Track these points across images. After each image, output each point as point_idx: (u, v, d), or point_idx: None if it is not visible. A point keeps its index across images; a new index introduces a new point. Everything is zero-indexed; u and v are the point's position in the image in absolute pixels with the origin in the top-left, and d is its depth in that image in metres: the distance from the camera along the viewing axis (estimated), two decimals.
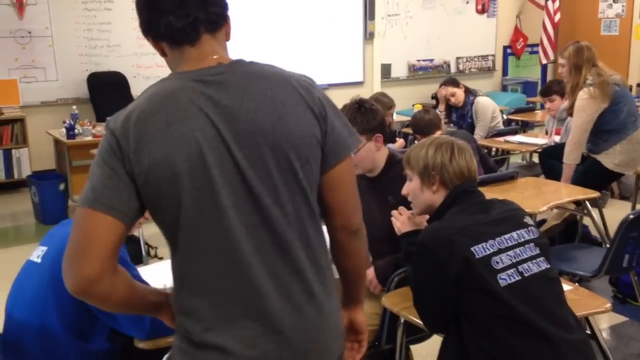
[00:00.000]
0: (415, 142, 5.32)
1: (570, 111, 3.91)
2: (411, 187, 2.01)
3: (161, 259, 4.48)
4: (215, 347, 1.25)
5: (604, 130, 3.82)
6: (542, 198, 3.35)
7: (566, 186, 3.72)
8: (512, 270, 1.69)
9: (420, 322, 1.88)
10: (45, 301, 1.84)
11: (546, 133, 4.97)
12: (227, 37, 1.36)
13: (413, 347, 2.58)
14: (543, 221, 3.92)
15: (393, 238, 2.18)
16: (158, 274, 2.28)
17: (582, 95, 3.77)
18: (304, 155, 1.30)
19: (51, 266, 1.86)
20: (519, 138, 4.95)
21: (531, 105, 7.15)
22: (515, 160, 5.70)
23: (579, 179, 3.80)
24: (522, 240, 1.77)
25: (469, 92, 5.24)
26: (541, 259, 1.75)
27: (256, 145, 1.25)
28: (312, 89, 1.37)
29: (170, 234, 1.29)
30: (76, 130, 5.25)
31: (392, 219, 2.13)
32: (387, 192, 2.37)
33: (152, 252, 4.50)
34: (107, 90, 6.58)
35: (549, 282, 1.74)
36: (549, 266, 1.75)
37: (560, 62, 3.95)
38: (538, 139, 4.87)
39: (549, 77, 10.01)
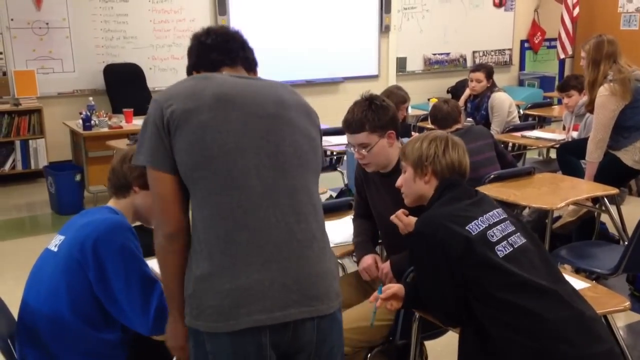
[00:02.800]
0: None
1: (590, 108, 3.86)
2: (405, 177, 2.08)
3: None
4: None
5: (625, 127, 3.76)
6: (560, 194, 3.31)
7: (584, 182, 3.67)
8: (504, 242, 1.80)
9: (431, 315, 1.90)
10: (58, 289, 1.86)
11: (564, 129, 4.92)
12: None
13: (427, 343, 2.57)
14: (558, 218, 3.88)
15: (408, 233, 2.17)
16: None
17: (603, 91, 3.71)
18: None
19: (66, 255, 1.87)
20: (536, 133, 4.89)
21: (548, 100, 7.06)
22: (531, 155, 5.64)
23: (597, 176, 3.75)
24: (502, 217, 1.89)
25: (491, 86, 5.20)
26: (518, 234, 1.86)
27: None
28: None
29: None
30: (92, 122, 5.28)
31: (395, 220, 2.13)
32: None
33: None
34: (123, 81, 6.61)
35: (531, 252, 1.84)
36: (525, 240, 1.86)
37: (582, 55, 3.90)
38: (555, 135, 4.82)
39: (567, 72, 9.90)
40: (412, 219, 2.09)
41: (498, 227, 1.83)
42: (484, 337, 1.74)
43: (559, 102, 5.80)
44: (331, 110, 7.84)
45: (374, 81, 8.53)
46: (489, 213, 1.86)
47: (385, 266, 2.33)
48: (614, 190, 3.42)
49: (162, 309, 1.80)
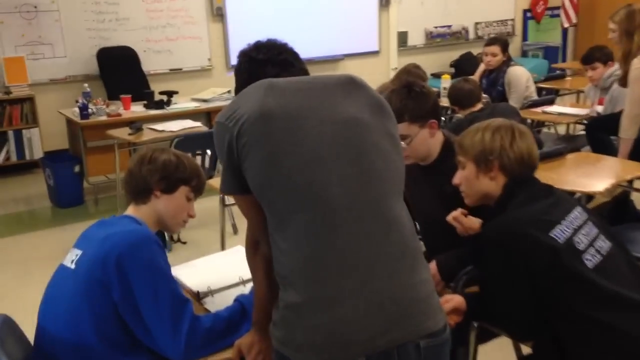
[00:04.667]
0: (454, 115, 5.10)
1: (623, 82, 3.64)
2: (465, 174, 1.84)
3: (184, 243, 4.30)
4: None
5: None
6: (599, 176, 3.11)
7: (621, 162, 3.46)
8: (592, 250, 1.60)
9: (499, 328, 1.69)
10: (79, 312, 1.65)
11: (588, 103, 4.70)
12: None
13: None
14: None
15: (452, 231, 1.97)
16: (192, 278, 2.07)
17: (637, 64, 3.49)
18: None
19: (86, 274, 1.66)
20: (557, 108, 4.67)
21: (559, 71, 6.83)
22: (547, 132, 5.43)
23: (632, 153, 3.55)
24: (585, 218, 1.68)
25: (507, 60, 4.96)
26: (602, 236, 1.66)
27: None
28: None
29: None
30: (89, 110, 5.01)
31: (453, 222, 1.92)
32: (443, 181, 2.14)
33: (175, 237, 4.32)
34: (118, 65, 6.34)
35: (618, 258, 1.64)
36: (610, 243, 1.65)
37: (610, 27, 3.67)
38: (578, 109, 4.60)
39: (571, 42, 9.67)
40: (474, 221, 1.88)
41: (583, 231, 1.62)
42: (562, 352, 1.54)
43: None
44: None
45: (375, 57, 8.30)
46: (571, 214, 1.65)
47: (432, 267, 2.12)
48: None
49: (194, 332, 1.61)
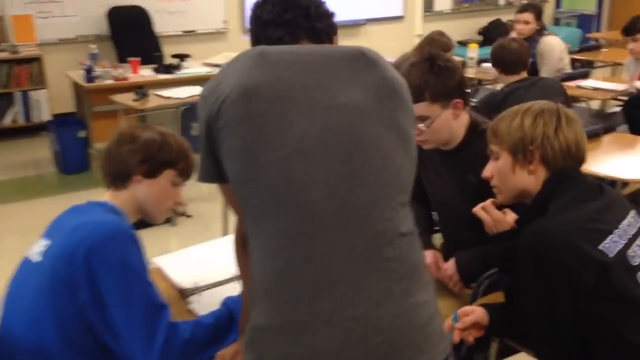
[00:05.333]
0: (479, 88, 4.76)
1: None
2: (498, 166, 1.56)
3: (190, 217, 4.10)
4: None
5: None
6: (638, 160, 2.82)
7: None
8: None
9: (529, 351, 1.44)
10: (42, 312, 1.44)
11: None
12: None
13: None
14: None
15: (476, 224, 1.71)
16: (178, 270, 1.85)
17: None
18: None
19: (52, 269, 1.44)
20: (592, 82, 4.33)
21: (594, 42, 6.42)
22: (579, 107, 5.08)
23: None
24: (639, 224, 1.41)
25: (541, 29, 4.60)
26: None
27: None
28: None
29: None
30: (95, 73, 4.78)
31: (480, 214, 1.65)
32: (467, 170, 1.88)
33: (180, 210, 4.12)
34: (129, 26, 6.07)
35: None
36: None
37: None
38: (616, 84, 4.25)
39: (606, 10, 9.16)
40: (508, 215, 1.61)
41: (638, 241, 1.36)
42: None
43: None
44: None
45: (399, 23, 7.95)
46: (625, 221, 1.38)
47: (449, 267, 1.88)
48: None
49: (170, 345, 1.40)
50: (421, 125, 1.84)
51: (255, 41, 1.35)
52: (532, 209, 1.47)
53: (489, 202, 1.63)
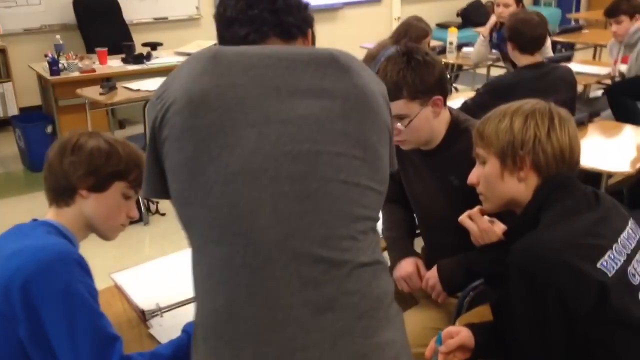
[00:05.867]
0: (459, 73, 4.62)
1: None
2: (485, 172, 1.41)
3: (163, 215, 3.94)
4: None
5: None
6: (626, 150, 2.71)
7: None
8: None
9: None
10: None
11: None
12: None
13: None
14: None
15: (458, 229, 1.59)
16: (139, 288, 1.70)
17: None
18: None
19: None
20: (574, 67, 4.20)
21: (575, 23, 6.31)
22: None
23: None
24: (639, 236, 1.29)
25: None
26: None
27: None
28: None
29: None
30: (60, 65, 4.56)
31: (467, 223, 1.52)
32: (449, 171, 1.74)
33: (153, 208, 3.96)
34: (96, 14, 5.83)
35: None
36: None
37: None
38: (598, 68, 4.15)
39: None
40: (496, 225, 1.49)
41: (638, 256, 1.23)
42: None
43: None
44: (329, 42, 7.13)
45: (377, 6, 7.77)
46: (623, 233, 1.25)
47: (431, 276, 1.76)
48: None
49: None
50: (399, 125, 1.71)
51: (221, 41, 1.22)
52: (522, 221, 1.34)
53: (476, 210, 1.50)
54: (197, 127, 1.04)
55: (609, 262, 1.18)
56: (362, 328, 1.02)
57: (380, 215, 1.96)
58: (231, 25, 1.18)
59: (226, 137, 1.03)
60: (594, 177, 2.71)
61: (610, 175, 2.97)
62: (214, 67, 1.08)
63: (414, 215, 1.96)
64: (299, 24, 1.21)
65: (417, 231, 2.03)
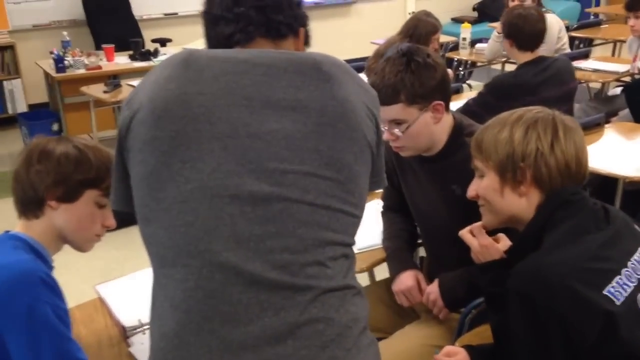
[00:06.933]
0: (473, 70, 4.48)
1: None
2: (484, 186, 1.31)
3: None
4: None
5: None
6: None
7: None
8: None
9: None
10: None
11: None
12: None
13: None
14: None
15: (461, 240, 1.48)
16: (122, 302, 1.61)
17: None
18: None
19: None
20: (592, 64, 4.07)
21: (594, 17, 6.13)
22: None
23: None
24: None
25: (537, 5, 4.31)
26: None
27: None
28: None
29: None
30: (66, 62, 4.51)
31: (467, 238, 1.42)
32: (451, 180, 1.63)
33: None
34: (106, 10, 5.79)
35: None
36: None
37: None
38: (617, 65, 3.99)
39: None
40: (501, 242, 1.38)
41: None
42: None
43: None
44: (341, 38, 7.01)
45: (391, 0, 7.62)
46: (636, 256, 1.14)
47: (433, 290, 1.66)
48: None
49: None
50: (396, 130, 1.61)
51: (208, 41, 1.15)
52: (524, 241, 1.23)
53: (478, 225, 1.39)
54: (160, 138, 0.96)
55: (617, 289, 1.07)
56: (328, 358, 0.93)
57: (381, 224, 1.90)
58: (216, 23, 1.11)
59: (188, 150, 0.95)
60: (611, 182, 2.59)
61: (628, 180, 2.84)
62: (183, 73, 1.00)
63: (416, 224, 1.86)
64: (288, 22, 1.12)
65: (420, 240, 1.93)
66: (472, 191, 1.34)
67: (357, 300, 1.01)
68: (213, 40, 1.13)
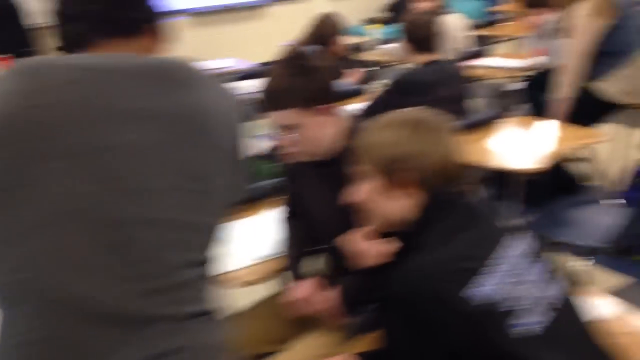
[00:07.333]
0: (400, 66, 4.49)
1: (563, 32, 3.19)
2: (368, 190, 1.29)
3: None
4: None
5: (605, 53, 3.11)
6: (536, 148, 2.67)
7: (567, 126, 2.98)
8: (529, 308, 1.10)
9: None
10: None
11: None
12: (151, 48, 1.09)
13: None
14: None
15: None
16: None
17: (580, 9, 3.04)
18: None
19: None
20: (491, 61, 4.18)
21: (498, 15, 6.31)
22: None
23: (569, 114, 3.15)
24: (520, 251, 1.17)
25: (440, 5, 4.40)
26: (545, 278, 1.16)
27: None
28: None
29: None
30: None
31: (341, 243, 1.41)
32: (344, 185, 1.62)
33: None
34: None
35: (567, 313, 1.15)
36: (557, 288, 1.15)
37: None
38: (517, 61, 4.10)
39: None
40: (385, 246, 1.37)
41: (513, 276, 1.11)
42: None
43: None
44: (253, 42, 6.95)
45: (307, 2, 7.61)
46: (500, 250, 1.14)
47: (329, 298, 1.63)
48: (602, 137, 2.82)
49: None
50: (287, 135, 1.58)
51: (61, 43, 1.07)
52: (405, 243, 1.23)
53: (360, 231, 1.38)
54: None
55: (477, 287, 1.06)
56: None
57: (279, 233, 1.86)
58: (67, 22, 1.06)
59: (23, 175, 0.85)
60: (512, 175, 2.67)
61: (519, 173, 2.93)
62: (23, 85, 0.90)
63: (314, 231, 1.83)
64: (135, 18, 1.06)
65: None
66: (354, 194, 1.32)
67: (220, 324, 0.96)
68: (64, 43, 1.06)
